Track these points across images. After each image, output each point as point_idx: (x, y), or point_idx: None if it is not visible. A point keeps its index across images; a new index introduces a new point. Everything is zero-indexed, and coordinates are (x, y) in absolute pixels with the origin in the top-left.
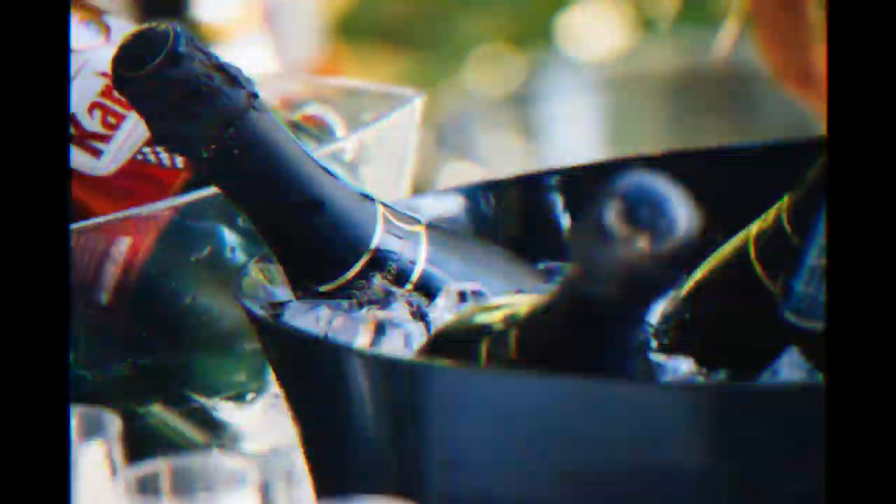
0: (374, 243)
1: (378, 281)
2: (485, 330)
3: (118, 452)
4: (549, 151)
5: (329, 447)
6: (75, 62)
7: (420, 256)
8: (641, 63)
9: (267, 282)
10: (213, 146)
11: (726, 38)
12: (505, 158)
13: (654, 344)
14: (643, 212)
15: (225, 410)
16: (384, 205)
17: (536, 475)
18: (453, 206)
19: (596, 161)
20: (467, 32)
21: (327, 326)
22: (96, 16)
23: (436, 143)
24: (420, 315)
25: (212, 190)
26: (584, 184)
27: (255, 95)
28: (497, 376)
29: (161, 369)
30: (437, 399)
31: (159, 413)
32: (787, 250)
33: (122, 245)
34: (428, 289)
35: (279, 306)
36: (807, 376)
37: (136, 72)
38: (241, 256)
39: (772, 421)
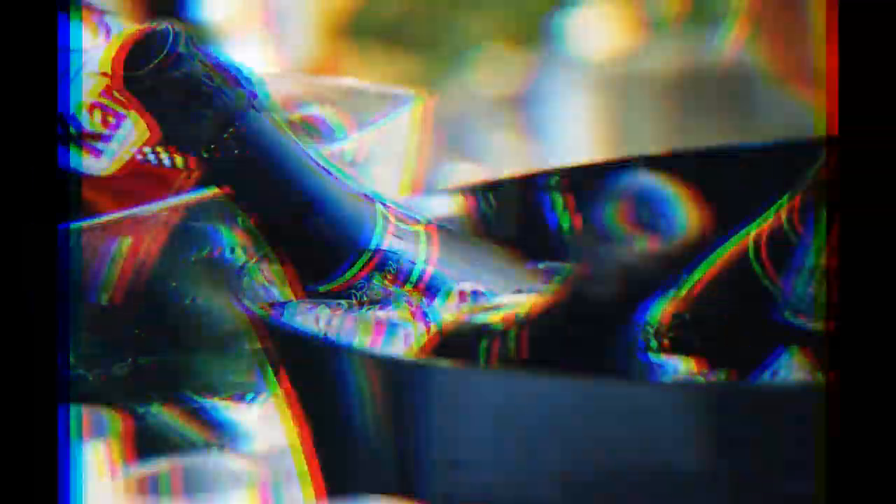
0: (374, 243)
1: (378, 281)
2: (485, 330)
3: (118, 452)
4: (549, 151)
5: (329, 447)
6: (75, 62)
7: (420, 256)
8: (642, 63)
9: (267, 282)
10: (213, 146)
11: (727, 38)
12: (505, 158)
13: (654, 344)
14: (643, 212)
15: (225, 410)
16: (384, 205)
17: (536, 475)
18: (453, 206)
19: (596, 161)
20: (467, 32)
21: (327, 326)
22: (96, 16)
23: (436, 143)
24: (420, 315)
25: (212, 190)
26: (584, 184)
27: (255, 95)
28: (497, 376)
29: (161, 369)
30: (437, 399)
31: (159, 413)
32: (787, 250)
33: (122, 245)
34: (428, 289)
35: (279, 306)
36: (807, 376)
37: (136, 72)
38: (241, 256)
39: (772, 421)
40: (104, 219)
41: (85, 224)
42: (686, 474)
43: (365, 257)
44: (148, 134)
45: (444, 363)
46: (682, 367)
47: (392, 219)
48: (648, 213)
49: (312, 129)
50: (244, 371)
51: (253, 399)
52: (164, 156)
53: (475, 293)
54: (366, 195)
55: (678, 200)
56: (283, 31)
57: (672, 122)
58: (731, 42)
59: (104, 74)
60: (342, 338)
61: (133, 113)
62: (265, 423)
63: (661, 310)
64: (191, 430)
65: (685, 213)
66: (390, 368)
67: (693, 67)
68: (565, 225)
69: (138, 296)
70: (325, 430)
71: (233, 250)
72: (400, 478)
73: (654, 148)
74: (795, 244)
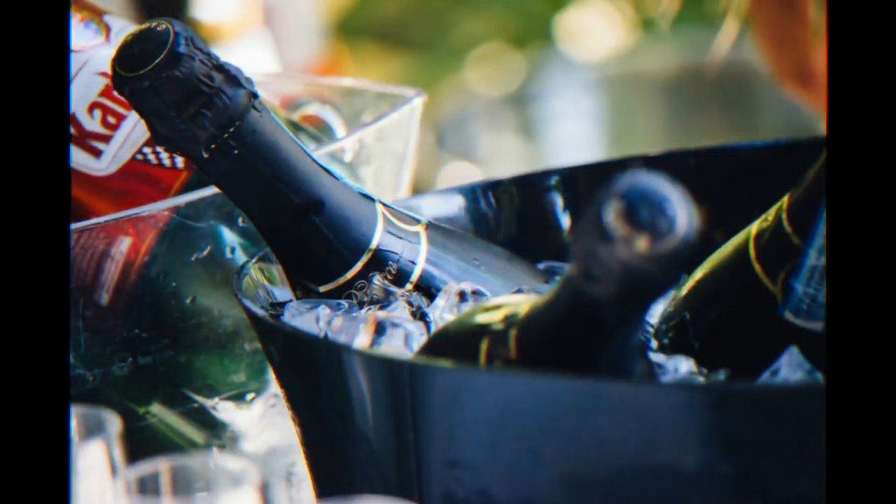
0: (374, 243)
1: (378, 281)
2: (485, 330)
3: (118, 452)
4: (549, 151)
5: (329, 447)
6: (75, 62)
7: (420, 256)
8: (641, 63)
9: (267, 282)
10: (213, 146)
11: (725, 38)
12: (505, 158)
13: (654, 344)
14: (643, 212)
15: (225, 410)
16: (384, 205)
17: (536, 475)
18: (453, 206)
19: (596, 161)
20: (467, 32)
21: (327, 326)
22: (96, 16)
23: (436, 143)
24: (420, 315)
25: (212, 190)
26: (584, 184)
27: (255, 95)
28: (497, 376)
29: (161, 369)
30: (437, 399)
31: (159, 413)
32: (787, 250)
33: (122, 245)
34: (428, 289)
35: (279, 306)
36: (807, 376)
37: (136, 72)
38: (241, 256)
39: (772, 421)
40: (104, 219)
41: (85, 224)
42: (686, 474)
43: (365, 257)
44: (148, 134)
45: (444, 363)
46: (682, 367)
47: (392, 219)
48: (648, 213)
49: (312, 129)
50: (244, 371)
51: (253, 399)
52: (164, 156)
53: (475, 293)
54: (366, 195)
55: (678, 200)
56: (283, 31)
57: (672, 122)
58: (731, 42)
59: (104, 74)
60: (342, 338)
61: (133, 113)
62: (265, 423)
63: (661, 310)
64: (191, 430)
65: (685, 212)
66: (390, 368)
67: (693, 67)
68: (565, 225)
69: (138, 296)
70: (325, 430)
71: (233, 250)
72: (400, 478)
73: (654, 148)
74: (795, 244)
